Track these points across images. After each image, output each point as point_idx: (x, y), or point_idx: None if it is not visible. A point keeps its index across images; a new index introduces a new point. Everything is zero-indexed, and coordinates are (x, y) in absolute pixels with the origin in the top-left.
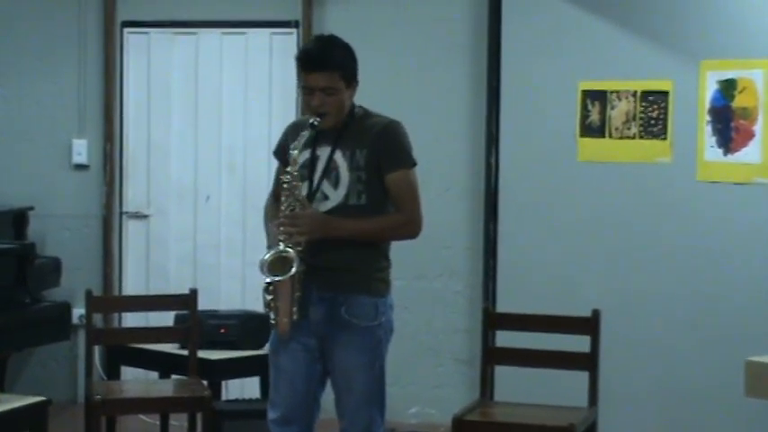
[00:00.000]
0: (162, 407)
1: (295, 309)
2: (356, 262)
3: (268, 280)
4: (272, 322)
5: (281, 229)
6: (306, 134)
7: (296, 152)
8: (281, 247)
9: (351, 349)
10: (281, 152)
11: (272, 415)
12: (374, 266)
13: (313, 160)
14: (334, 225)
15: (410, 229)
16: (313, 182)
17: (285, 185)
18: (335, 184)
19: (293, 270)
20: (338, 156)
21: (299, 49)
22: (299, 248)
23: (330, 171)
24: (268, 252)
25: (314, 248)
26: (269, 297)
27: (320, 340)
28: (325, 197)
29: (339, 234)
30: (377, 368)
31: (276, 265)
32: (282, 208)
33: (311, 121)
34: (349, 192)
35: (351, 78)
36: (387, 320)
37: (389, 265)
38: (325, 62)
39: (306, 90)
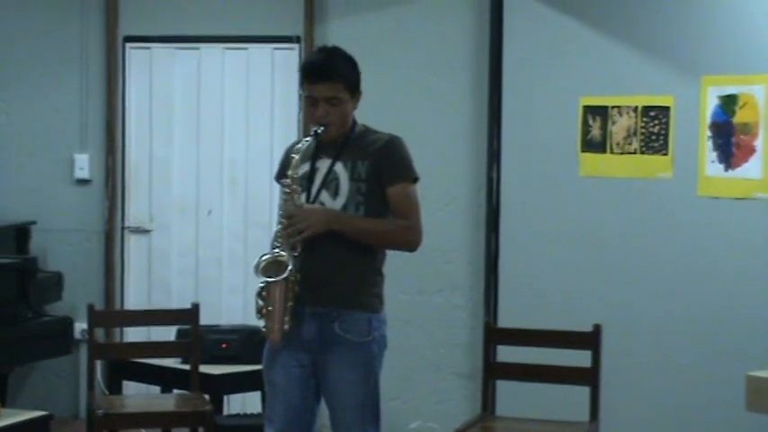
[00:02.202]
0: (164, 421)
1: (287, 318)
2: (350, 273)
3: (262, 283)
4: (264, 329)
5: (279, 233)
6: (308, 141)
7: (297, 157)
8: (277, 251)
9: (344, 365)
10: (283, 176)
11: (269, 431)
12: (368, 281)
13: (312, 173)
14: (337, 217)
15: (412, 237)
16: (311, 192)
17: (286, 190)
18: (335, 194)
19: (288, 271)
20: (339, 167)
21: (303, 60)
22: (295, 254)
23: (330, 181)
24: (264, 255)
25: (308, 259)
26: (261, 303)
27: (313, 356)
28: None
29: (342, 228)
30: (371, 384)
31: (271, 268)
32: (280, 213)
33: (314, 129)
34: (348, 202)
35: (354, 89)
36: (380, 335)
37: (383, 279)
38: (330, 72)
39: (309, 100)
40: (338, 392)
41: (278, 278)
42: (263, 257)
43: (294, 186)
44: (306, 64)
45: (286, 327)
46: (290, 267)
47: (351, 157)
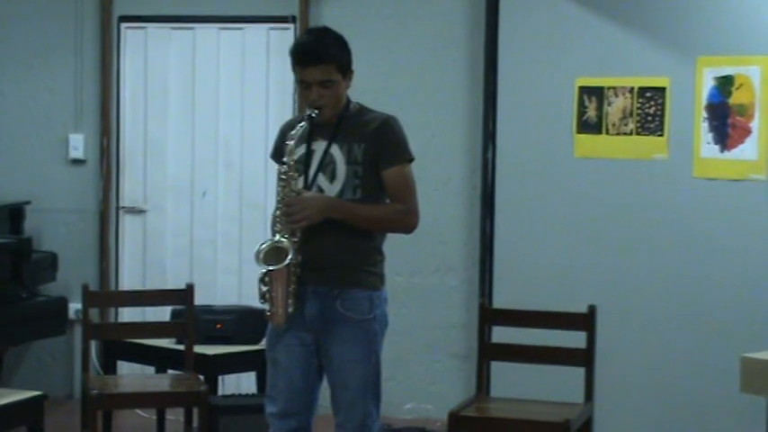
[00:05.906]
0: (158, 402)
1: (290, 301)
2: (350, 256)
3: (263, 270)
4: (268, 314)
5: (277, 218)
6: (303, 126)
7: (292, 143)
8: (277, 237)
9: (346, 344)
10: (279, 154)
11: (270, 409)
12: (368, 260)
13: (308, 154)
14: (335, 205)
15: (410, 220)
16: (308, 175)
17: (282, 177)
18: (331, 178)
19: (288, 259)
20: (335, 150)
21: (293, 44)
22: (295, 239)
23: (326, 165)
24: (264, 242)
25: (308, 243)
26: (264, 288)
27: (316, 335)
28: (320, 191)
29: (340, 215)
30: (372, 362)
31: (271, 255)
32: (278, 199)
33: (309, 113)
34: (345, 186)
35: (346, 69)
36: (381, 314)
37: (383, 258)
38: (320, 56)
39: (302, 84)
40: (340, 371)
41: (279, 266)
42: (263, 245)
43: (291, 173)
44: (296, 48)
45: (290, 309)
46: (290, 255)
47: (346, 140)
